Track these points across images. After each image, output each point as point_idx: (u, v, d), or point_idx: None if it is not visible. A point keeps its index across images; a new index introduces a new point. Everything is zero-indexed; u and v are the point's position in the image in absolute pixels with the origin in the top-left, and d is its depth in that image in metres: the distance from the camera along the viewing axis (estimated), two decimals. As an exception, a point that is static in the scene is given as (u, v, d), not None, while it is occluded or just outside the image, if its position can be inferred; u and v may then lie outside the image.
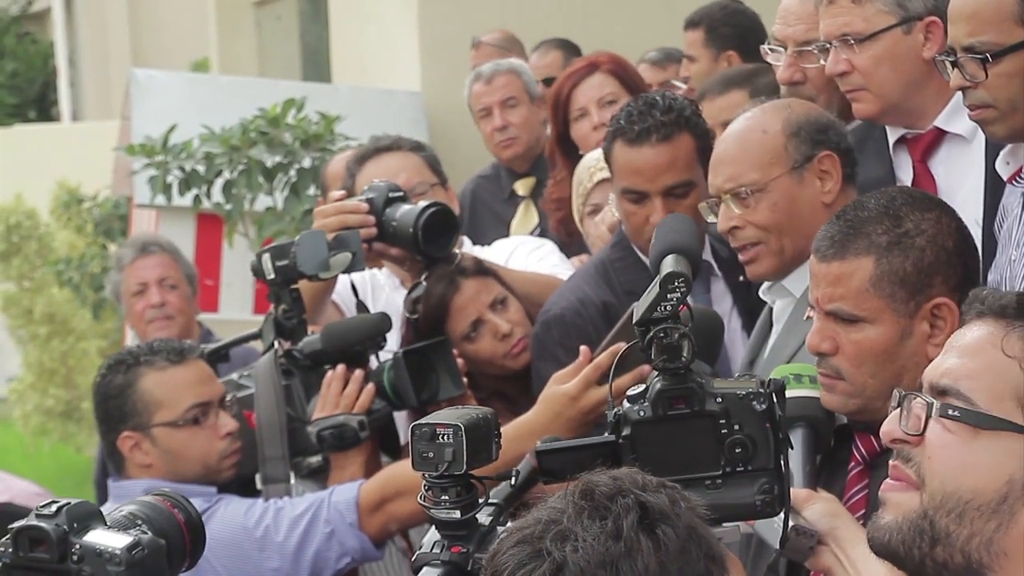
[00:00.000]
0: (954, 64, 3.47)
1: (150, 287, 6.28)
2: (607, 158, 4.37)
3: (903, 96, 3.97)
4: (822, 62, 4.09)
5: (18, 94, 24.53)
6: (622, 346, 3.26)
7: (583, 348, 3.76)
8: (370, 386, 4.17)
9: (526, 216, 6.89)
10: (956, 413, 2.22)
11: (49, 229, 12.47)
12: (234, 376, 4.31)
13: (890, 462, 2.30)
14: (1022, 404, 2.22)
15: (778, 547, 2.91)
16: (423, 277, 4.33)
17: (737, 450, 2.70)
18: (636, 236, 4.31)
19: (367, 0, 10.90)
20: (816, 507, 3.00)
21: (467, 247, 4.84)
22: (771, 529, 2.91)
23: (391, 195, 4.36)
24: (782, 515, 2.80)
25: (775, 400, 2.72)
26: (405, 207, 4.33)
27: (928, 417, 2.24)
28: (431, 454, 2.62)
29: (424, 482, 2.66)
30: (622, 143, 4.26)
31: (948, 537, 2.20)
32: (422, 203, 4.34)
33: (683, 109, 4.28)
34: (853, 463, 3.19)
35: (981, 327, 2.29)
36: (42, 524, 2.38)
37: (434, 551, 2.64)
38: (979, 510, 2.20)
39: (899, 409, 2.30)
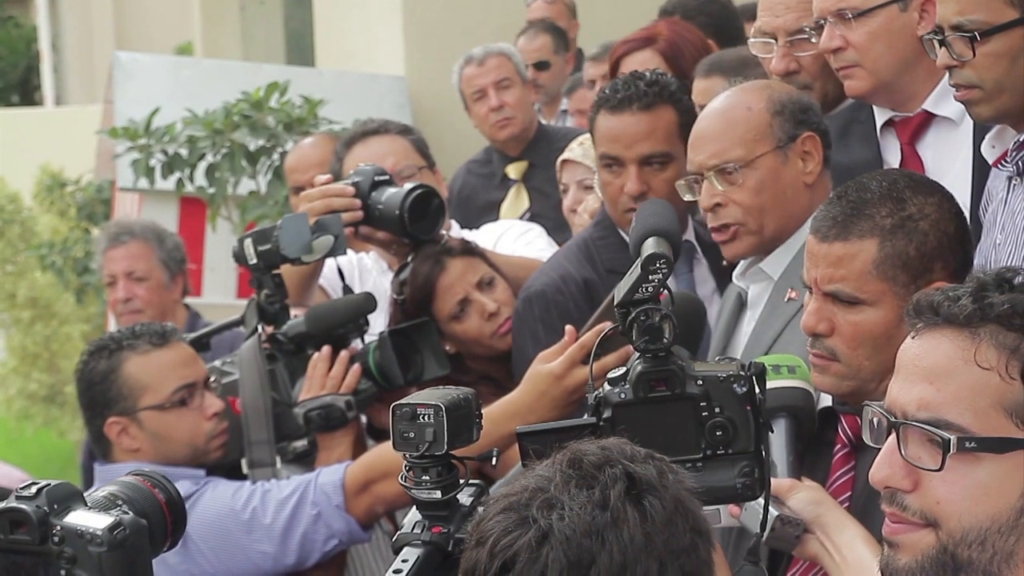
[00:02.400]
0: (941, 43, 3.46)
1: (118, 280, 6.27)
2: (591, 129, 4.36)
3: (895, 74, 3.96)
4: (814, 40, 4.08)
5: (1, 78, 24.48)
6: (606, 325, 3.24)
7: (568, 327, 3.74)
8: (356, 367, 4.16)
9: (517, 199, 6.86)
10: (973, 445, 2.16)
11: (32, 213, 12.45)
12: (217, 363, 4.29)
13: (885, 507, 2.24)
14: (1009, 413, 2.17)
15: (758, 531, 2.89)
16: (409, 258, 4.32)
17: (717, 433, 2.69)
18: (611, 207, 4.29)
19: (351, -16, 10.87)
20: (800, 495, 3.00)
21: (455, 231, 4.82)
22: (754, 517, 2.90)
23: (377, 179, 4.34)
24: (763, 499, 2.79)
25: (756, 383, 2.71)
26: (391, 190, 4.31)
27: (946, 453, 2.16)
28: (412, 434, 2.61)
29: (405, 462, 2.65)
30: (604, 112, 4.26)
31: (971, 564, 2.18)
32: (408, 186, 4.32)
33: (669, 84, 4.28)
34: (839, 445, 3.18)
35: (943, 341, 2.22)
36: (22, 506, 2.35)
37: (415, 531, 2.63)
38: (1000, 531, 2.17)
39: (889, 450, 2.23)
